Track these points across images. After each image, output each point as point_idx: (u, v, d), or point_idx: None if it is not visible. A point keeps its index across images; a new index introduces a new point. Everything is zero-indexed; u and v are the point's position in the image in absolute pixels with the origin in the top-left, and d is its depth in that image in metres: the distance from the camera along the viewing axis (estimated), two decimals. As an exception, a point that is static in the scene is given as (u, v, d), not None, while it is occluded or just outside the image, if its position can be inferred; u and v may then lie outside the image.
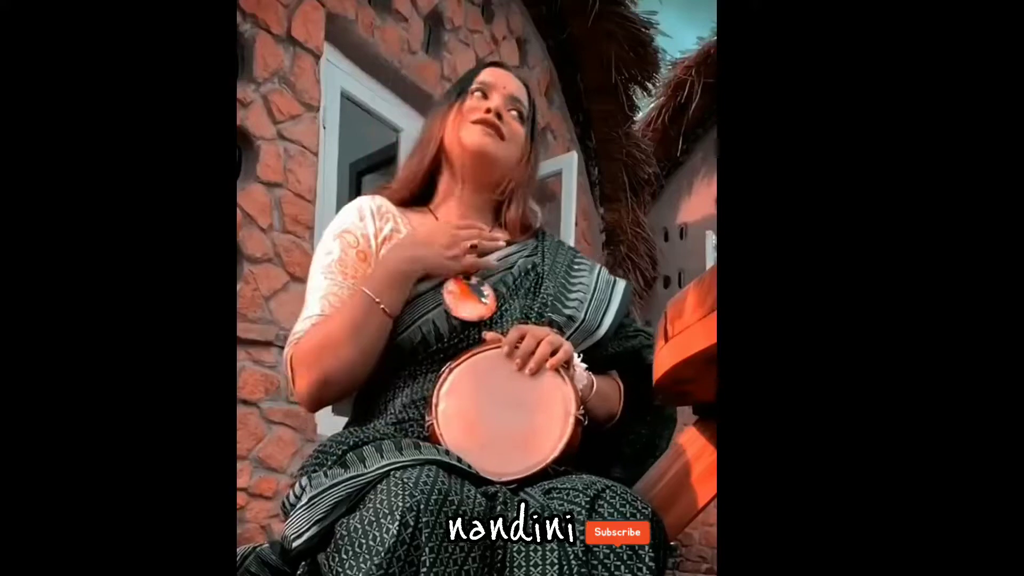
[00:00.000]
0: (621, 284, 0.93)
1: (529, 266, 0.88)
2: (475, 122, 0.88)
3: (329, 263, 0.84)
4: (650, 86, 3.91)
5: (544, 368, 0.72)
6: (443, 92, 1.02)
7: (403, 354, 0.80)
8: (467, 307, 0.80)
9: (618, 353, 0.88)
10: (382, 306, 0.77)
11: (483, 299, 0.82)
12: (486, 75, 0.94)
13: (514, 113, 0.93)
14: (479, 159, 0.88)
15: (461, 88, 0.94)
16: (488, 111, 0.89)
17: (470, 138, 0.88)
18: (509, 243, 0.92)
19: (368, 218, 0.88)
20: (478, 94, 0.92)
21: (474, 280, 0.83)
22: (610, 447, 0.89)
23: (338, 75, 2.40)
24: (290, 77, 2.08)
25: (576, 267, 0.92)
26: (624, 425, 0.88)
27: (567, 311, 0.84)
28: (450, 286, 0.81)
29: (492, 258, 0.87)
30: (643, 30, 3.56)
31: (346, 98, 2.45)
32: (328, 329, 0.77)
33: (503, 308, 0.82)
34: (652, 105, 4.34)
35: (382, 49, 2.47)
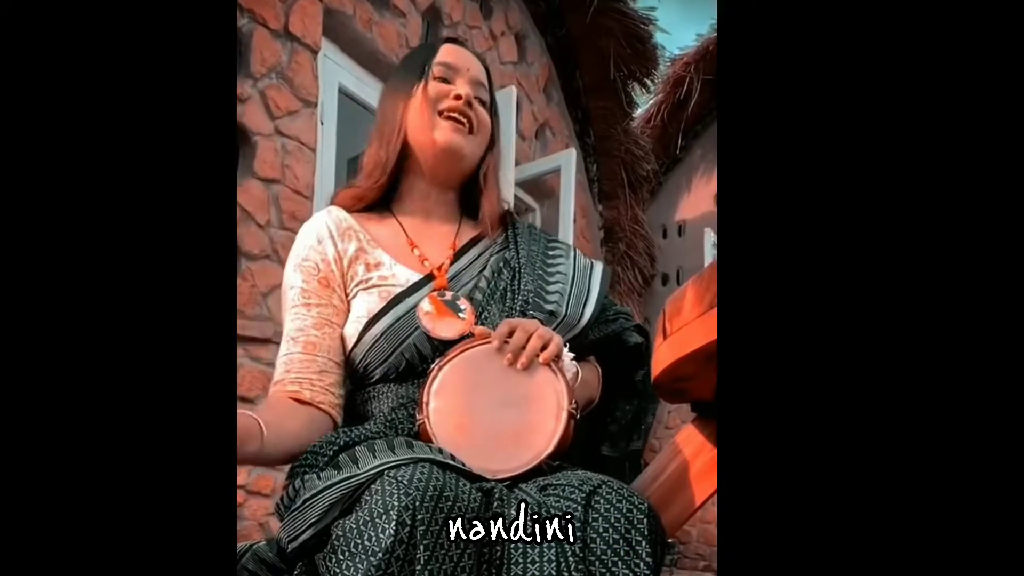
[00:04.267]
0: (599, 268, 0.90)
1: (502, 263, 0.86)
2: (445, 116, 0.83)
3: (293, 297, 0.82)
4: (649, 83, 3.92)
5: (535, 362, 0.72)
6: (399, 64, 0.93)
7: (389, 376, 0.78)
8: (445, 326, 0.77)
9: (599, 338, 0.87)
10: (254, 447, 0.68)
11: (460, 314, 0.79)
12: (447, 55, 0.86)
13: (480, 100, 0.86)
14: (449, 157, 0.84)
15: (422, 69, 0.86)
16: (459, 98, 0.82)
17: (442, 137, 0.82)
18: (478, 238, 0.88)
19: (327, 240, 0.83)
20: (442, 78, 0.85)
21: (449, 295, 0.80)
22: (596, 426, 0.89)
23: (336, 71, 2.39)
24: (288, 73, 2.08)
25: (552, 254, 0.89)
26: (609, 404, 0.88)
27: (548, 306, 0.82)
28: (425, 306, 0.78)
29: (467, 259, 0.85)
30: (642, 26, 3.56)
31: (344, 94, 2.44)
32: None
33: (482, 316, 0.80)
34: (651, 102, 4.35)
35: (380, 45, 2.47)
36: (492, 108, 0.90)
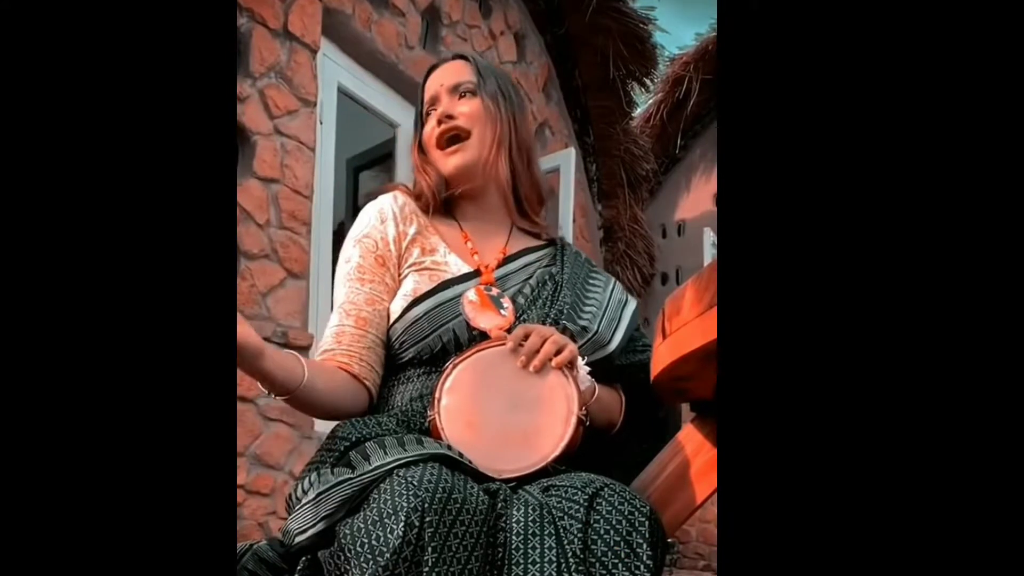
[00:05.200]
0: (632, 304, 0.93)
1: (547, 276, 0.89)
2: (439, 147, 0.88)
3: (348, 271, 0.85)
4: (648, 82, 3.91)
5: (548, 366, 0.72)
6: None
7: (421, 358, 0.80)
8: (486, 318, 0.81)
9: (626, 366, 0.89)
10: (268, 393, 0.73)
11: (502, 310, 0.82)
12: (428, 90, 0.93)
13: (462, 96, 0.90)
14: (461, 176, 0.88)
15: (419, 113, 0.94)
16: (439, 123, 0.88)
17: (446, 167, 0.88)
18: (528, 250, 0.91)
19: (390, 220, 0.87)
20: (427, 114, 0.91)
21: (495, 291, 0.84)
22: (613, 457, 0.89)
23: (335, 70, 2.39)
24: (287, 72, 2.07)
25: (592, 280, 0.92)
26: (628, 436, 0.89)
27: (582, 321, 0.84)
28: (471, 296, 0.81)
29: (515, 266, 0.89)
30: (641, 26, 3.55)
31: (343, 93, 2.44)
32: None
33: (521, 318, 0.83)
34: (650, 101, 4.34)
35: (379, 44, 2.46)
36: (484, 88, 0.90)
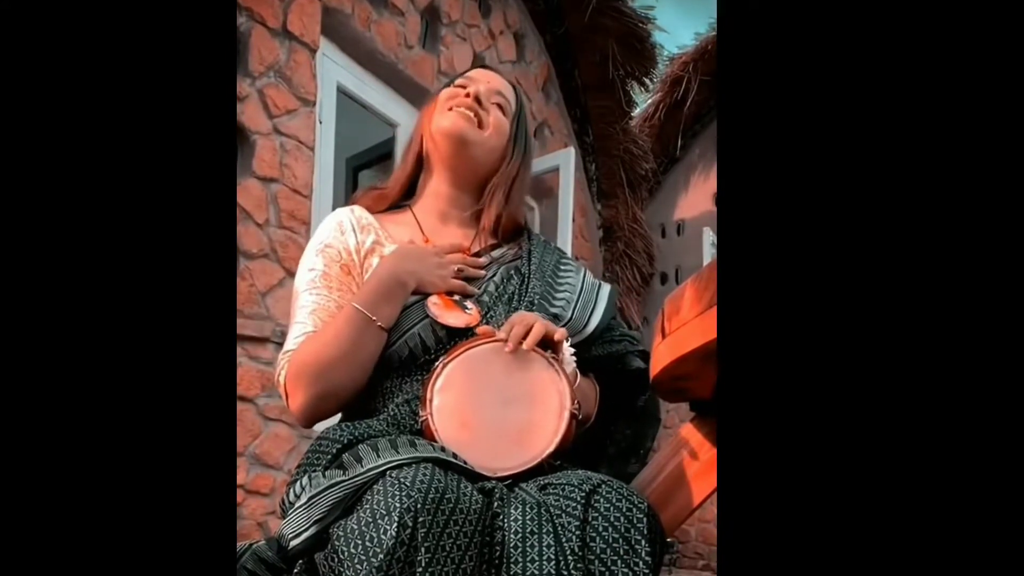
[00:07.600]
0: (607, 287, 0.93)
1: (512, 271, 0.89)
2: (453, 108, 0.88)
3: (313, 278, 0.84)
4: (647, 82, 3.91)
5: (537, 361, 0.72)
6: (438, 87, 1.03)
7: (391, 367, 0.80)
8: (452, 316, 0.81)
9: (601, 356, 0.89)
10: (377, 322, 0.77)
11: (467, 310, 0.82)
12: (472, 72, 0.94)
13: (496, 104, 0.91)
14: (455, 144, 0.87)
15: (445, 86, 0.95)
16: (467, 96, 0.88)
17: (446, 122, 0.87)
18: (492, 247, 0.91)
19: (349, 232, 0.87)
20: (460, 86, 0.91)
21: (456, 296, 0.84)
22: (595, 447, 0.90)
23: (334, 69, 2.39)
24: (286, 71, 2.07)
25: (562, 268, 0.92)
26: (608, 425, 0.89)
27: (554, 309, 0.84)
28: (434, 299, 0.81)
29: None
30: (640, 25, 3.55)
31: (342, 93, 2.44)
32: (321, 346, 0.78)
33: (488, 315, 0.83)
34: (649, 101, 4.34)
35: (379, 44, 2.46)
36: (518, 125, 0.93)
